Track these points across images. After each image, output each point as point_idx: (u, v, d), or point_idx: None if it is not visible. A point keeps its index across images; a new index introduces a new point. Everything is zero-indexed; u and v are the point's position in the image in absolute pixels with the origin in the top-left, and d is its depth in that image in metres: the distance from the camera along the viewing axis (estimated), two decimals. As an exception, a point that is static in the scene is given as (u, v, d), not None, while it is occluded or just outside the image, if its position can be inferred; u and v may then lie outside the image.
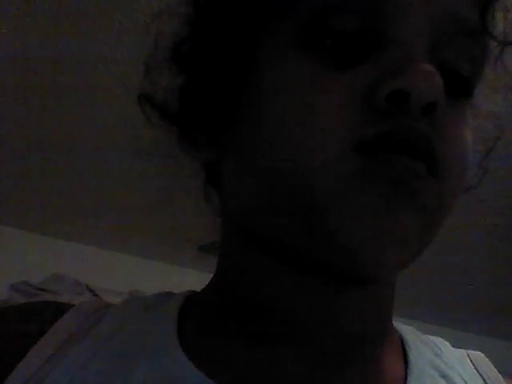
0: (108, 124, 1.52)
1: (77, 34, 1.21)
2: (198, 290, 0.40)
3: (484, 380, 0.38)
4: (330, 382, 0.34)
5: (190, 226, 1.49)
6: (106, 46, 1.25)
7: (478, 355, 0.41)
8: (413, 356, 0.37)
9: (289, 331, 0.34)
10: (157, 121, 0.39)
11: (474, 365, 0.39)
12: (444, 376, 0.36)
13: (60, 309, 0.38)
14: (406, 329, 0.40)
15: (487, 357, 0.41)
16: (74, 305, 0.39)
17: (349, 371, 0.34)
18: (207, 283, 0.40)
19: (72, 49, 1.25)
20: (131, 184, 1.78)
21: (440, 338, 0.41)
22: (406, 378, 0.35)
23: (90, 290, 2.18)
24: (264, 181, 0.32)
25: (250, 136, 0.33)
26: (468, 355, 0.40)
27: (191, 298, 0.39)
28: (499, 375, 0.39)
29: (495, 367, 0.39)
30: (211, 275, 0.39)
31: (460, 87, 0.33)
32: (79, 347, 0.35)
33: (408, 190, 0.29)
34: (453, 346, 0.41)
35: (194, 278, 0.79)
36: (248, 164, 0.33)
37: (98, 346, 0.35)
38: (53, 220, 2.15)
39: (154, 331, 0.36)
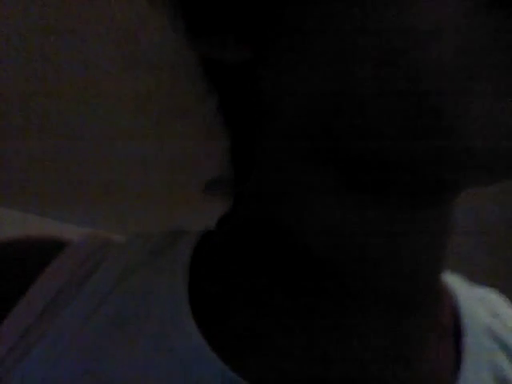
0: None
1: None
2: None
3: None
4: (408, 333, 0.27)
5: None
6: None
7: None
8: (468, 323, 0.30)
9: (358, 283, 0.26)
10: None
11: None
12: (505, 348, 0.30)
13: (44, 256, 0.31)
14: (456, 281, 0.33)
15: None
16: (65, 243, 0.32)
17: (405, 336, 0.28)
18: (222, 222, 0.33)
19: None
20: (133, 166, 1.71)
21: (493, 294, 0.34)
22: (459, 353, 0.29)
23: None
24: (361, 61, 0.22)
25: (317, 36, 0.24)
26: None
27: (206, 238, 0.32)
28: None
29: None
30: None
31: None
32: (68, 310, 0.28)
33: None
34: None
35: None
36: (327, 45, 0.23)
37: (90, 308, 0.28)
38: (52, 202, 2.10)
39: (160, 289, 0.29)
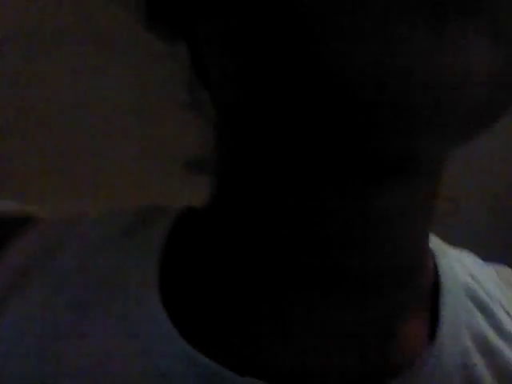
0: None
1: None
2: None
3: None
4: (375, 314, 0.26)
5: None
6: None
7: (504, 271, 0.34)
8: (447, 283, 0.29)
9: (312, 272, 0.25)
10: None
11: (507, 285, 0.32)
12: (483, 309, 0.29)
13: (11, 231, 0.29)
14: (435, 241, 0.32)
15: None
16: (32, 218, 0.30)
17: (384, 305, 0.27)
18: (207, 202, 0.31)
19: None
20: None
21: (468, 253, 0.34)
22: (437, 313, 0.28)
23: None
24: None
25: None
26: (498, 273, 0.33)
27: (186, 218, 0.30)
28: None
29: None
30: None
31: None
32: (34, 287, 0.27)
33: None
34: None
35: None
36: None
37: (57, 285, 0.27)
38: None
39: (129, 271, 0.27)
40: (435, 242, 0.32)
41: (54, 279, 0.27)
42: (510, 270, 0.34)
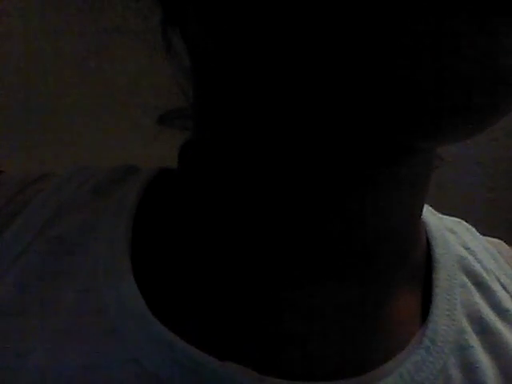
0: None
1: None
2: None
3: None
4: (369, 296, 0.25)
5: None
6: None
7: (501, 245, 0.32)
8: (440, 258, 0.27)
9: (298, 248, 0.23)
10: None
11: (505, 259, 0.30)
12: (479, 285, 0.27)
13: None
14: (427, 212, 0.30)
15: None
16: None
17: (377, 288, 0.25)
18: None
19: None
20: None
21: (461, 222, 0.32)
22: (431, 287, 0.26)
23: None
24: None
25: None
26: (495, 246, 0.31)
27: (159, 178, 0.28)
28: None
29: None
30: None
31: None
32: None
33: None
34: None
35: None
36: None
37: (12, 254, 0.24)
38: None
39: (97, 237, 0.25)
40: (429, 212, 0.30)
41: (8, 246, 0.25)
42: (505, 244, 0.32)
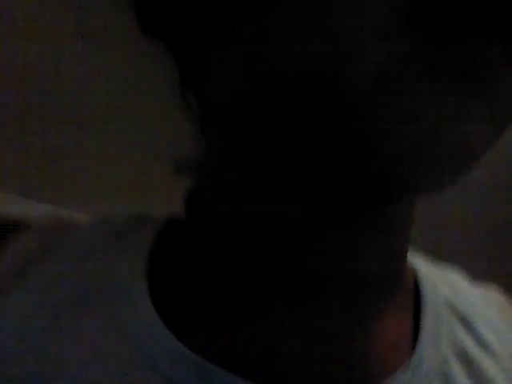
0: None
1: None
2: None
3: None
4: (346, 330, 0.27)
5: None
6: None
7: (491, 291, 0.34)
8: (428, 295, 0.30)
9: (294, 277, 0.26)
10: None
11: (498, 304, 0.33)
12: (464, 321, 0.30)
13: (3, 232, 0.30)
14: (419, 260, 0.33)
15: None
16: (21, 223, 0.31)
17: (363, 315, 0.27)
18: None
19: None
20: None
21: (455, 272, 0.35)
22: (418, 324, 0.29)
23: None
24: (268, 69, 0.22)
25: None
26: (489, 292, 0.34)
27: (171, 225, 0.31)
28: None
29: None
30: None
31: None
32: (24, 290, 0.28)
33: (482, 83, 0.21)
34: None
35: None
36: (244, 50, 0.23)
37: (47, 289, 0.28)
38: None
39: (119, 271, 0.28)
40: (420, 259, 0.33)
41: (45, 282, 0.28)
42: (498, 289, 0.35)
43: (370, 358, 0.27)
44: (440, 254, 0.31)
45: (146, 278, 0.28)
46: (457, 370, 0.27)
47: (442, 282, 0.32)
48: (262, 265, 0.26)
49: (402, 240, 0.29)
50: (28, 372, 0.25)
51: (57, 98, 1.50)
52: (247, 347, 0.26)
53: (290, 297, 0.26)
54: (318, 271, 0.26)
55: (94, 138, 1.68)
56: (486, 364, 0.28)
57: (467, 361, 0.28)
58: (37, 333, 0.26)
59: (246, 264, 0.27)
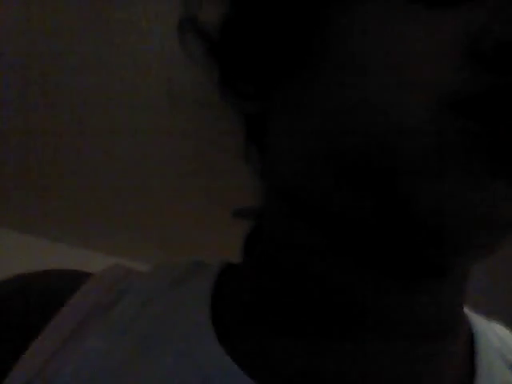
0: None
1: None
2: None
3: None
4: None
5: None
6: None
7: None
8: (482, 346, 0.32)
9: (349, 326, 0.28)
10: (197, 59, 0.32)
11: None
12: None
13: (70, 285, 0.32)
14: (474, 316, 0.35)
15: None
16: (90, 274, 0.33)
17: (424, 365, 0.29)
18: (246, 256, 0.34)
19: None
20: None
21: (498, 325, 0.36)
22: (474, 371, 0.30)
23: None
24: (327, 141, 0.26)
25: (313, 90, 0.27)
26: None
27: (228, 271, 0.33)
28: None
29: None
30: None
31: None
32: (94, 335, 0.29)
33: None
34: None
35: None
36: (306, 121, 0.27)
37: (116, 333, 0.29)
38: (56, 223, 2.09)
39: (184, 312, 0.30)
40: (472, 313, 0.35)
41: (118, 324, 0.30)
42: None
43: None
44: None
45: (210, 318, 0.29)
46: None
47: (492, 333, 0.33)
48: (321, 309, 0.28)
49: (460, 295, 0.30)
50: None
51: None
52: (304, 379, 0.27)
53: (346, 341, 0.28)
54: (377, 323, 0.27)
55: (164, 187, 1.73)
56: None
57: None
58: (108, 375, 0.28)
59: (305, 310, 0.28)
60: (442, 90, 0.23)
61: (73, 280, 0.32)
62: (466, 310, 0.33)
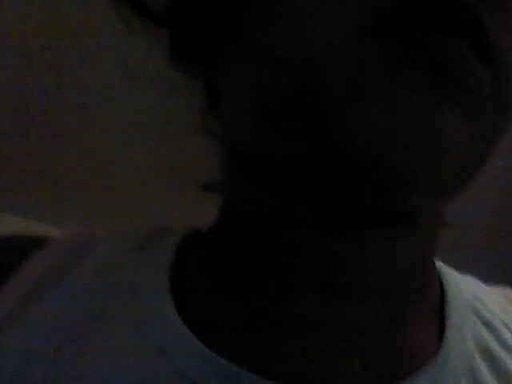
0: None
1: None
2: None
3: None
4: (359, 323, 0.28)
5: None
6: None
7: (508, 292, 0.35)
8: (452, 296, 0.31)
9: (311, 283, 0.28)
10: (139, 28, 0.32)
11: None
12: (487, 324, 0.31)
13: (27, 249, 0.32)
14: (446, 268, 0.34)
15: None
16: (48, 238, 0.32)
17: (391, 318, 0.29)
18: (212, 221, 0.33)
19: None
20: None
21: (471, 277, 0.36)
22: (443, 324, 0.30)
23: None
24: (261, 85, 0.26)
25: (250, 42, 0.27)
26: (500, 295, 0.35)
27: (192, 237, 0.33)
28: None
29: None
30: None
31: None
32: (43, 306, 0.29)
33: (453, 81, 0.23)
34: None
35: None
36: (245, 76, 0.27)
37: (70, 300, 0.29)
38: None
39: (143, 280, 0.29)
40: (442, 266, 0.34)
41: (69, 292, 0.29)
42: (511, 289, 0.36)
43: (401, 355, 0.28)
44: (439, 253, 0.33)
45: (169, 288, 0.29)
46: (482, 366, 0.28)
47: (464, 287, 0.33)
48: (286, 274, 0.28)
49: (428, 249, 0.30)
50: (49, 376, 0.26)
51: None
52: (273, 352, 0.27)
53: (313, 305, 0.27)
54: (339, 283, 0.27)
55: (127, 155, 1.73)
56: (509, 363, 0.29)
57: (491, 359, 0.29)
58: (57, 345, 0.27)
59: (269, 273, 0.28)
60: (363, 11, 0.23)
61: (26, 246, 0.32)
62: (438, 264, 0.33)
